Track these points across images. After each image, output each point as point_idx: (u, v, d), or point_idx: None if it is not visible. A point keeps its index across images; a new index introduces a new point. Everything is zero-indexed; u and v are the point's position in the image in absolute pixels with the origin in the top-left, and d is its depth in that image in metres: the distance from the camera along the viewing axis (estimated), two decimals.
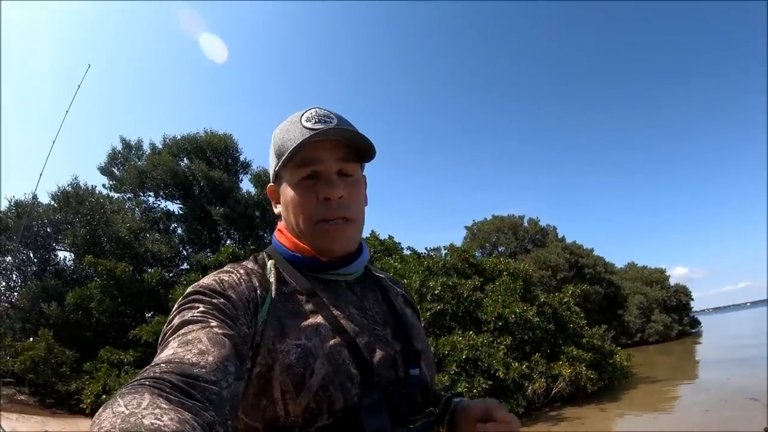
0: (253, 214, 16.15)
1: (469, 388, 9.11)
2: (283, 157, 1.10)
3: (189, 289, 0.97)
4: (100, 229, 14.47)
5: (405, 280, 11.16)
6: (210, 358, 0.78)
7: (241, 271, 1.06)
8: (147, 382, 0.68)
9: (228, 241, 19.14)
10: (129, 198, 19.75)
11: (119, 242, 14.95)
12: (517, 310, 10.79)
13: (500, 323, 10.67)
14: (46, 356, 11.50)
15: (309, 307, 1.05)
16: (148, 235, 16.45)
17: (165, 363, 0.74)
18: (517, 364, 10.10)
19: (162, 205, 20.83)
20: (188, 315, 0.89)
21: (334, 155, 1.11)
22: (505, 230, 36.03)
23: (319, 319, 1.03)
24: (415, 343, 1.14)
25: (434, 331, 10.52)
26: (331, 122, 1.12)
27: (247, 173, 17.82)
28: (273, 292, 1.05)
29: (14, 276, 14.35)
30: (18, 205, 14.53)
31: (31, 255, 14.74)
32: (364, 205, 1.20)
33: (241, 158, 19.44)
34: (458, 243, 17.62)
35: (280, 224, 1.21)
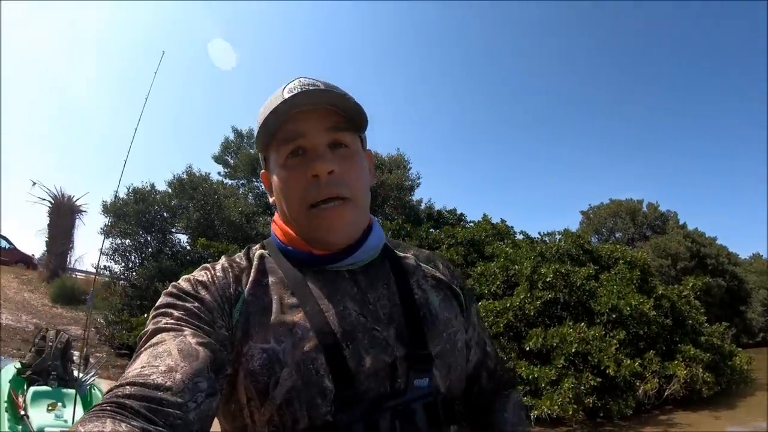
0: None
1: (576, 384, 8.71)
2: (258, 134, 0.99)
3: (164, 292, 0.92)
4: (213, 213, 15.12)
5: (516, 266, 10.89)
6: (178, 376, 0.74)
7: (217, 267, 0.98)
8: (108, 408, 0.67)
9: None
10: (242, 184, 20.36)
11: (231, 225, 15.46)
12: (633, 302, 10.30)
13: (614, 315, 10.25)
14: None
15: (291, 301, 0.94)
16: (259, 218, 16.87)
17: (129, 385, 0.71)
18: (629, 361, 9.58)
19: None
20: (162, 322, 0.85)
21: (322, 125, 0.98)
22: (623, 215, 34.03)
23: (298, 316, 0.91)
24: (431, 345, 0.97)
25: (544, 321, 10.22)
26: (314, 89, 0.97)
27: None
28: (247, 287, 0.95)
29: (133, 257, 15.15)
30: (136, 192, 15.45)
31: (149, 238, 15.53)
32: (366, 182, 1.05)
33: None
34: (573, 228, 16.88)
35: (276, 214, 1.10)
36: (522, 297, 10.04)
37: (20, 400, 4.75)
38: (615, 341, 9.69)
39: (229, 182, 19.76)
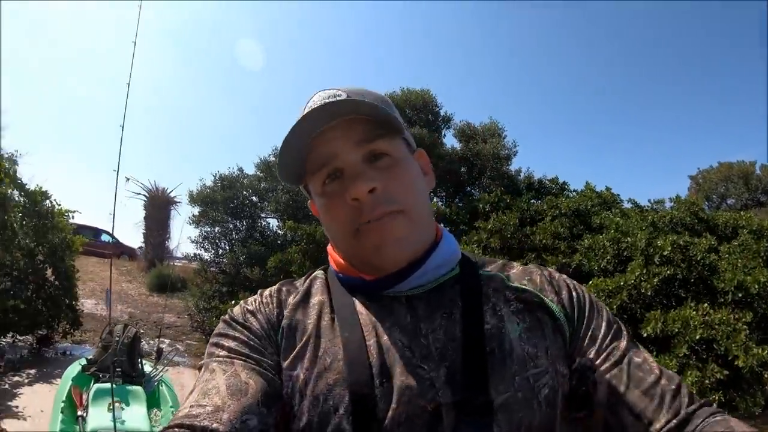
0: (459, 170, 15.18)
1: (700, 377, 7.56)
2: (283, 168, 0.89)
3: (221, 319, 0.92)
4: (302, 195, 14.64)
5: (628, 238, 9.76)
6: (225, 416, 0.71)
7: (265, 293, 0.94)
8: None
9: (434, 199, 18.59)
10: None
11: None
12: (762, 279, 8.87)
13: (740, 295, 8.90)
14: None
15: (330, 324, 0.85)
16: None
17: (177, 427, 0.70)
18: (759, 350, 8.05)
19: None
20: (215, 355, 0.84)
21: (351, 139, 0.85)
22: (734, 179, 31.26)
23: (332, 342, 0.82)
24: (495, 391, 0.75)
25: (662, 302, 9.02)
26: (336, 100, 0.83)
27: (449, 128, 16.66)
28: (287, 309, 0.89)
29: (222, 243, 15.10)
30: (223, 178, 15.34)
31: (237, 224, 15.43)
32: (421, 189, 0.91)
33: (442, 112, 18.33)
34: (682, 195, 15.34)
35: (330, 242, 0.97)
36: (637, 274, 8.92)
37: (84, 398, 4.50)
38: (741, 324, 8.38)
39: None
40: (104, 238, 23.85)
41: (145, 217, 21.59)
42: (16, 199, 8.64)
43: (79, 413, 4.27)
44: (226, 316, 0.90)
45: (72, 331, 9.59)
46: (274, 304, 0.90)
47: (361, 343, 0.80)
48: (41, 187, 8.86)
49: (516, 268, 0.97)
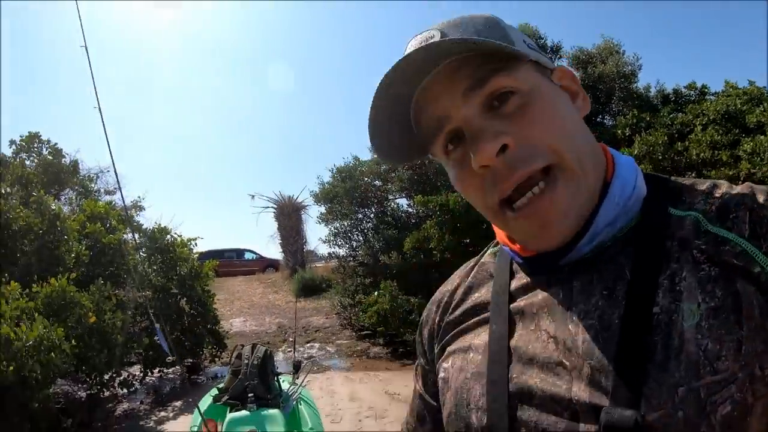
0: None
1: None
2: (375, 149, 0.73)
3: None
4: (425, 167, 14.14)
5: None
6: None
7: (436, 297, 0.83)
8: None
9: None
10: None
11: (444, 174, 14.39)
12: None
13: None
14: (392, 307, 11.24)
15: (482, 313, 0.72)
16: None
17: None
18: None
19: None
20: (416, 362, 0.86)
21: (456, 90, 0.63)
22: None
23: (479, 337, 0.70)
24: (647, 405, 0.52)
25: None
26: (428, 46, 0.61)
27: (560, 58, 14.99)
28: (455, 302, 0.78)
29: (356, 235, 14.91)
30: (340, 171, 15.18)
31: (366, 212, 15.21)
32: (574, 121, 0.65)
33: (549, 43, 16.70)
34: None
35: None
36: None
37: (218, 430, 4.21)
38: None
39: None
40: (247, 255, 24.87)
41: (278, 228, 22.06)
42: (137, 241, 9.17)
43: None
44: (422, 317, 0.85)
45: (219, 353, 9.83)
46: (435, 321, 0.80)
47: (503, 334, 0.66)
48: (160, 224, 9.34)
49: (725, 194, 0.62)
